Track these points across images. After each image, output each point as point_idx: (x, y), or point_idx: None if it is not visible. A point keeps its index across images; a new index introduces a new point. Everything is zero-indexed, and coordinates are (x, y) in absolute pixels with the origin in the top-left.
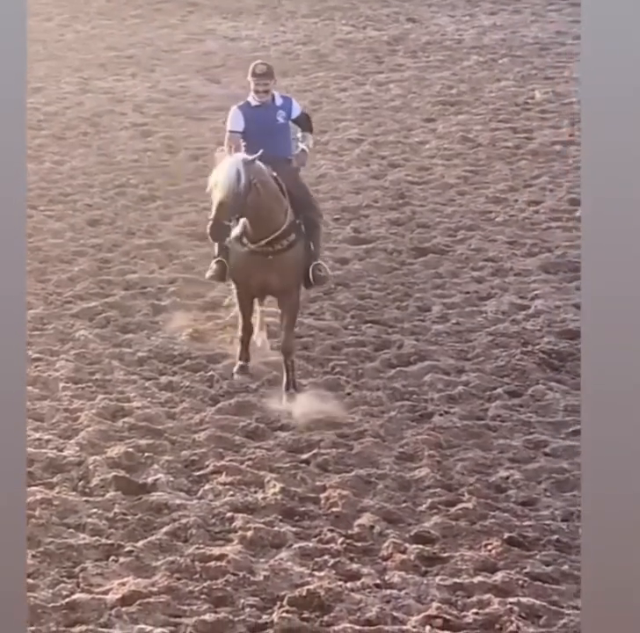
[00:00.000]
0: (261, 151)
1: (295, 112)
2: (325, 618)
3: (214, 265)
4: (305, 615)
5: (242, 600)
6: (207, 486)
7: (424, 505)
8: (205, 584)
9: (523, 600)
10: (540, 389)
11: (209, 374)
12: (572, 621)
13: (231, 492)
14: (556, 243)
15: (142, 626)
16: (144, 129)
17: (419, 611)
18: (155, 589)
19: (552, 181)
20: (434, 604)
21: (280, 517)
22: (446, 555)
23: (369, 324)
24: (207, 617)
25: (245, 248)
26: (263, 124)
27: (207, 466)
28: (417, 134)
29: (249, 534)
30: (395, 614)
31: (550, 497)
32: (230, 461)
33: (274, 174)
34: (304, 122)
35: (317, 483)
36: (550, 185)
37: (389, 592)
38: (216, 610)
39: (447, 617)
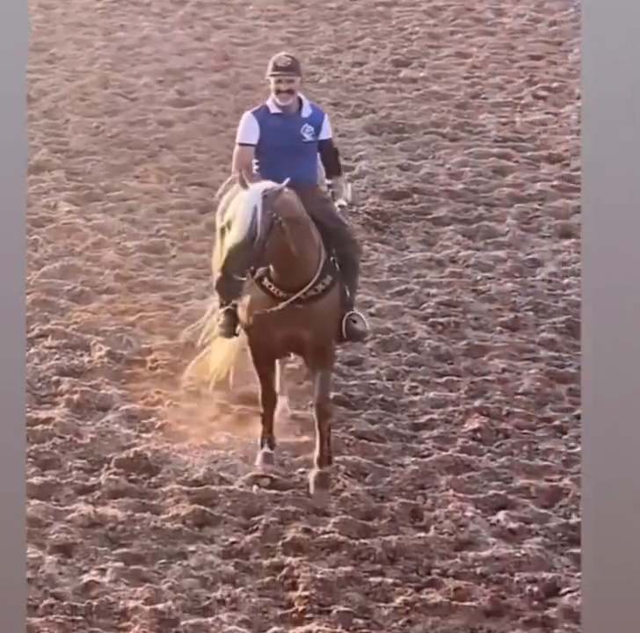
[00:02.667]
0: (287, 180)
1: (325, 133)
2: (153, 479)
3: (221, 317)
4: (132, 477)
5: (69, 463)
6: (32, 350)
7: (250, 367)
8: (32, 447)
9: (349, 458)
10: (364, 249)
11: (33, 237)
12: (397, 478)
13: (57, 356)
14: (380, 105)
15: None
16: None
17: (246, 471)
18: None
19: (376, 42)
20: (261, 465)
21: (107, 380)
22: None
23: (194, 187)
24: (35, 480)
25: (267, 294)
26: (284, 139)
27: (33, 330)
28: None
29: (75, 397)
30: (222, 474)
31: (376, 356)
32: (56, 324)
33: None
34: (331, 157)
35: (143, 346)
36: (374, 46)
37: (216, 452)
38: (43, 473)
39: (274, 477)
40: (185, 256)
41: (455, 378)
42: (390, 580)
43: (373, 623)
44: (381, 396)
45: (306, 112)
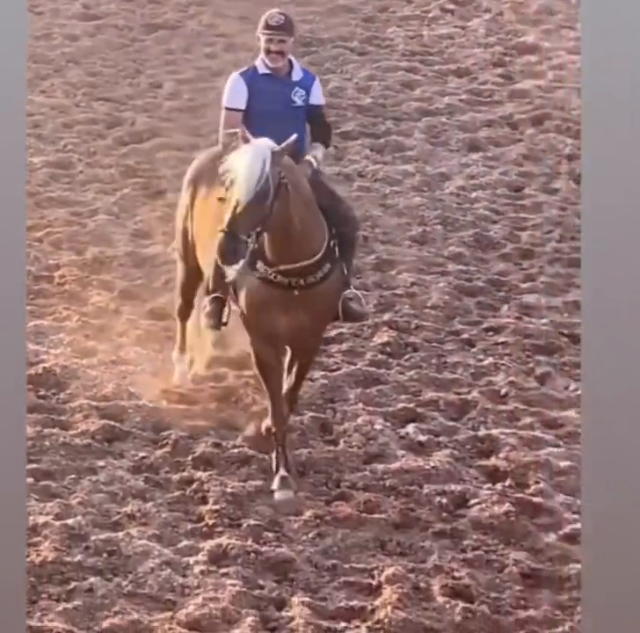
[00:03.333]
0: (294, 136)
1: (315, 98)
2: (61, 395)
3: (207, 305)
4: (41, 393)
5: None
6: None
7: (159, 282)
8: None
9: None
10: None
11: None
12: (306, 392)
13: None
14: None
15: None
16: None
17: (155, 385)
18: None
19: None
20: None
21: None
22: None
23: (101, 102)
24: None
25: (261, 276)
26: (273, 103)
27: None
28: None
29: None
30: (131, 389)
31: None
32: None
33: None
34: (320, 124)
35: (51, 262)
36: None
37: (125, 367)
38: None
39: (183, 392)
40: (91, 171)
41: (364, 292)
42: (301, 494)
43: (283, 536)
44: None
45: (297, 74)
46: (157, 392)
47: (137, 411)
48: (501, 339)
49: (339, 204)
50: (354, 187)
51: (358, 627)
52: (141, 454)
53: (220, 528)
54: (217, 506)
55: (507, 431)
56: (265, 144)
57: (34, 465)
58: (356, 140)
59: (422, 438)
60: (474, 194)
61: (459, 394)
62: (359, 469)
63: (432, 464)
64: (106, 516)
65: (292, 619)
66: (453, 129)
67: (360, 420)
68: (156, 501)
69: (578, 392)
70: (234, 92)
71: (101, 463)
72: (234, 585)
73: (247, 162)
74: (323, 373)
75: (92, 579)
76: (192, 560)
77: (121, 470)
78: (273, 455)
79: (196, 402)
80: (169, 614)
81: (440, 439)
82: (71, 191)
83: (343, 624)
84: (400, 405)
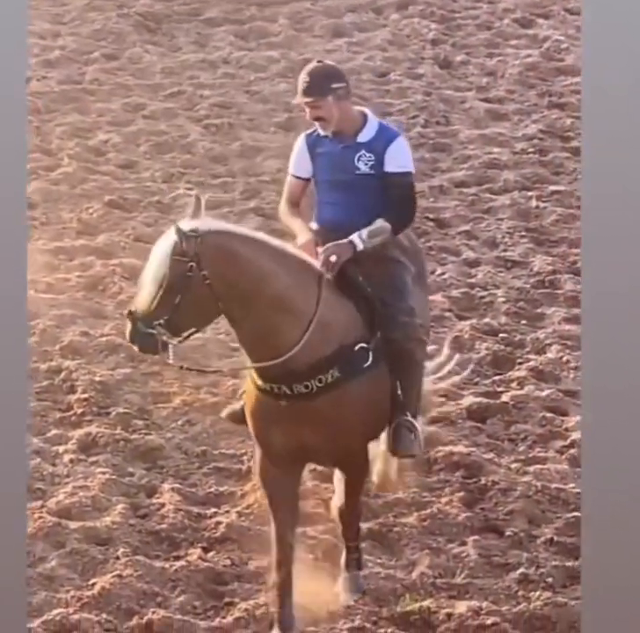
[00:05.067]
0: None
1: (390, 164)
2: None
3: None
4: None
5: None
6: None
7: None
8: None
9: (125, 261)
10: (137, 51)
11: None
12: None
13: None
14: None
15: None
16: None
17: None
18: None
19: None
20: (35, 268)
21: None
22: (47, 219)
23: None
24: None
25: (252, 384)
26: (334, 170)
27: None
28: None
29: None
30: None
31: (150, 159)
32: None
33: (334, 258)
34: (393, 196)
35: None
36: None
37: None
38: None
39: (50, 280)
40: None
41: (230, 179)
42: (169, 381)
43: (152, 424)
44: (156, 198)
45: (366, 134)
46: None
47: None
48: None
49: (396, 302)
50: (219, 74)
51: (228, 512)
52: None
53: (89, 417)
54: (86, 395)
55: None
56: (176, 228)
57: None
58: (220, 26)
59: None
60: None
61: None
62: (227, 356)
63: None
64: None
65: (162, 505)
66: (317, 15)
67: None
68: (26, 391)
69: (444, 276)
70: (296, 157)
71: None
72: (104, 473)
73: (157, 245)
74: None
75: None
76: (61, 449)
77: None
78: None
79: (63, 291)
80: (39, 503)
81: None
82: None
83: (213, 510)
84: None
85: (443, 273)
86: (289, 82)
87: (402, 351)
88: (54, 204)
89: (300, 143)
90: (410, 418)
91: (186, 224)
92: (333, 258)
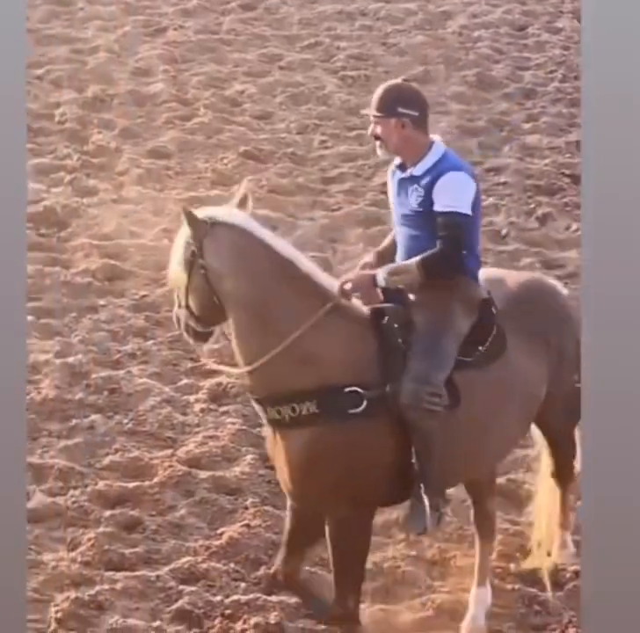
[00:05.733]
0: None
1: (439, 201)
2: (62, 234)
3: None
4: (42, 232)
5: None
6: None
7: (159, 120)
8: None
9: (259, 212)
10: (274, 2)
11: None
12: (308, 232)
13: None
14: None
15: None
16: None
17: (156, 224)
18: None
19: None
20: (170, 218)
21: None
22: (182, 169)
23: None
24: None
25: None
26: (398, 202)
27: None
28: None
29: None
30: (132, 228)
31: (286, 110)
32: None
33: (348, 286)
34: (439, 238)
35: (51, 100)
36: None
37: (125, 206)
38: None
39: None
40: (93, 8)
41: (365, 132)
42: None
43: None
44: (291, 150)
45: (421, 167)
46: (158, 231)
47: (138, 250)
48: (502, 180)
49: (414, 363)
50: (356, 26)
51: None
52: (142, 292)
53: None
54: (217, 346)
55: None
56: (184, 210)
57: (35, 303)
58: None
59: None
60: (476, 33)
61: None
62: None
63: None
64: (107, 354)
65: None
66: None
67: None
68: (157, 340)
69: (579, 233)
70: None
71: (102, 302)
72: (234, 423)
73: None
74: (323, 212)
75: (93, 417)
76: (192, 398)
77: (122, 309)
78: None
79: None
80: (169, 451)
81: None
82: (71, 28)
83: None
84: None
85: (577, 230)
86: (427, 34)
87: (406, 417)
88: (190, 153)
89: (390, 167)
90: (422, 492)
91: (211, 211)
92: (347, 286)
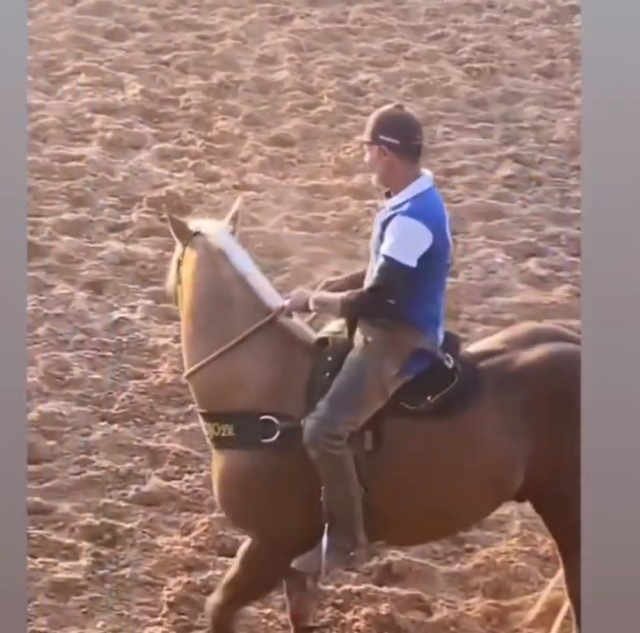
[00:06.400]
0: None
1: (385, 243)
2: (185, 219)
3: None
4: (164, 216)
5: (101, 201)
6: (66, 87)
7: (283, 108)
8: (64, 184)
9: (381, 202)
10: None
11: None
12: None
13: (91, 93)
14: None
15: None
16: None
17: (277, 212)
18: None
19: None
20: (292, 205)
21: (140, 118)
22: (305, 157)
23: None
24: (66, 217)
25: None
26: (376, 230)
27: (66, 66)
28: None
29: (108, 135)
30: (253, 215)
31: (410, 101)
32: (90, 61)
33: (284, 302)
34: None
35: (177, 85)
36: None
37: (247, 193)
38: (75, 210)
39: (306, 219)
40: None
41: (489, 124)
42: None
43: None
44: None
45: (397, 199)
46: (279, 219)
47: (259, 237)
48: None
49: (324, 401)
50: (483, 18)
51: None
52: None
53: None
54: None
55: None
56: (168, 217)
57: (155, 287)
58: None
59: (542, 272)
60: None
61: (581, 229)
62: (478, 302)
63: (551, 299)
64: None
65: None
66: None
67: (480, 253)
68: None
69: None
70: None
71: None
72: None
73: None
74: (446, 204)
75: None
76: None
77: None
78: None
79: (317, 230)
80: None
81: (561, 274)
82: (199, 14)
83: None
84: (521, 239)
85: None
86: (554, 28)
87: (309, 453)
88: (313, 142)
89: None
90: (325, 530)
91: (199, 223)
92: (285, 302)
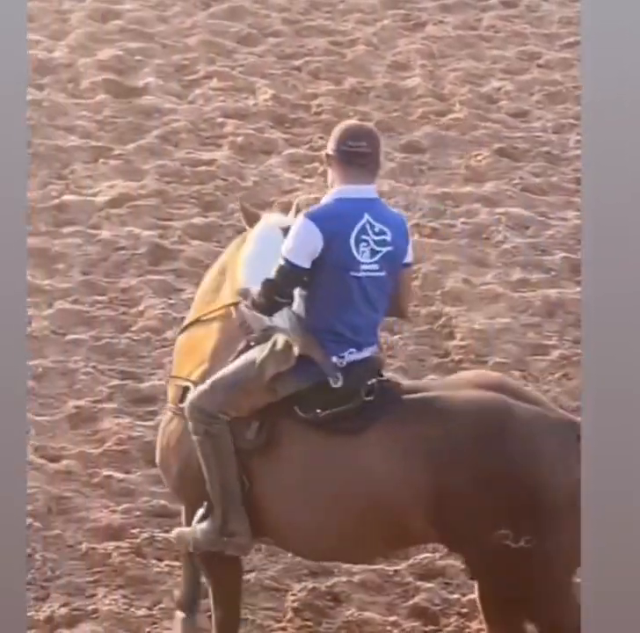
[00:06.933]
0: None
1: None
2: None
3: None
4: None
5: (231, 206)
6: (197, 91)
7: (415, 115)
8: (194, 188)
9: (511, 210)
10: (535, 0)
11: None
12: (559, 232)
13: (222, 98)
14: None
15: (131, 228)
16: None
17: (408, 219)
18: (144, 192)
19: None
20: (422, 212)
21: (271, 123)
22: (435, 164)
23: None
24: (197, 221)
25: None
26: None
27: (199, 71)
28: None
29: (239, 139)
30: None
31: (542, 109)
32: (222, 66)
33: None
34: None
35: (308, 91)
36: None
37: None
38: (205, 215)
39: (436, 226)
40: (353, 1)
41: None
42: (548, 334)
43: (529, 376)
44: (546, 149)
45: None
46: (409, 226)
47: None
48: None
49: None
50: None
51: None
52: None
53: (465, 364)
54: (464, 342)
55: None
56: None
57: None
58: None
59: None
60: None
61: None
62: None
63: None
64: None
65: None
66: None
67: None
68: (404, 334)
69: None
70: None
71: None
72: None
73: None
74: (576, 213)
75: None
76: None
77: None
78: None
79: (447, 237)
80: None
81: None
82: (331, 20)
83: None
84: None
85: None
86: None
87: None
88: (443, 149)
89: None
90: (203, 509)
91: (268, 214)
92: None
